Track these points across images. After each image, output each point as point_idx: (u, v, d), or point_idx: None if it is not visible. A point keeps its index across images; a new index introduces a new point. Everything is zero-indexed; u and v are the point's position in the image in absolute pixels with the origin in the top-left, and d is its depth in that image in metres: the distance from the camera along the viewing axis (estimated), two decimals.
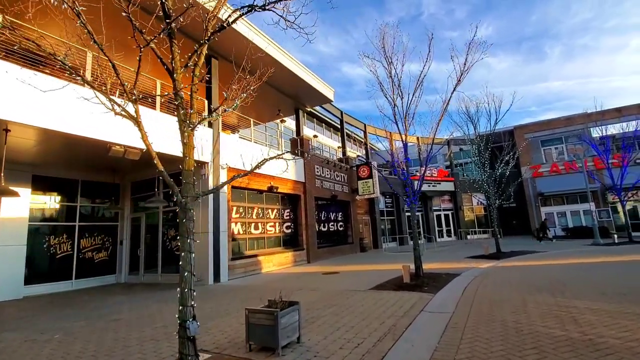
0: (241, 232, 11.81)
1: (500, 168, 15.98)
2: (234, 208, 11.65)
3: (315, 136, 28.40)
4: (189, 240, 3.18)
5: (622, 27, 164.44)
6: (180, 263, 3.16)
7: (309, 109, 18.28)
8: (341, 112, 21.40)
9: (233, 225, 11.47)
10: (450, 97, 9.44)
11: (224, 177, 10.76)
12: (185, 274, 3.11)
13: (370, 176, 19.56)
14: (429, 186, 26.32)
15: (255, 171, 11.84)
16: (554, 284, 7.25)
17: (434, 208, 27.79)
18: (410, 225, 24.50)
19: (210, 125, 10.75)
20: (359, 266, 12.97)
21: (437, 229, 27.30)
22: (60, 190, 11.06)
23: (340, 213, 19.16)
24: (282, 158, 4.84)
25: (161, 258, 11.34)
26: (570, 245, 18.47)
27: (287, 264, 13.39)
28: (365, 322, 5.07)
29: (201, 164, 10.36)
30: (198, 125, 3.54)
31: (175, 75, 3.17)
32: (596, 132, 26.03)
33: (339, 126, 31.57)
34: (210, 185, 10.22)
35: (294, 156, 14.18)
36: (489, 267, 11.00)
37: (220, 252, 10.15)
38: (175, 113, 3.43)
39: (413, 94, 9.45)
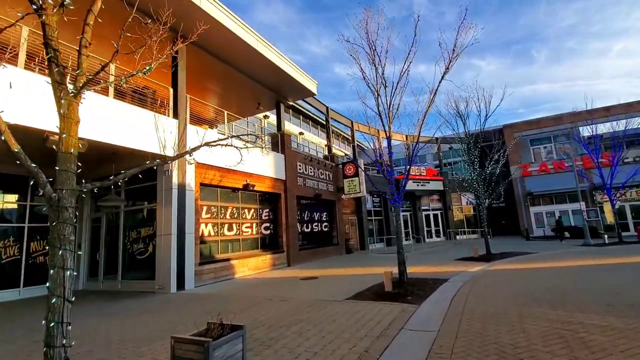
0: (212, 233, 10.83)
1: (490, 166, 15.34)
2: (204, 207, 10.66)
3: (301, 133, 27.48)
4: (61, 252, 2.25)
5: (606, 32, 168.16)
6: (48, 284, 2.22)
7: (291, 103, 17.37)
8: (327, 108, 20.54)
9: (203, 226, 10.48)
10: (438, 85, 8.65)
11: (191, 174, 9.77)
12: (54, 300, 2.17)
13: (356, 174, 18.73)
14: (418, 185, 25.66)
15: (230, 167, 10.86)
16: (553, 293, 6.49)
17: (423, 208, 27.15)
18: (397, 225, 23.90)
19: (175, 114, 9.73)
20: (342, 270, 12.11)
21: (425, 229, 26.67)
22: (8, 188, 9.91)
23: (325, 213, 18.29)
24: (246, 147, 3.90)
25: (122, 263, 10.28)
26: (560, 246, 17.95)
27: (264, 267, 12.45)
28: (334, 344, 4.19)
29: (164, 159, 9.33)
30: (84, 93, 2.59)
31: (45, 18, 2.22)
32: (585, 132, 25.77)
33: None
34: (175, 182, 9.23)
35: (264, 145, 13.22)
36: (479, 270, 10.26)
37: (186, 256, 9.16)
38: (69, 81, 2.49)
39: (397, 83, 8.63)
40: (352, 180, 18.85)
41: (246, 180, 12.03)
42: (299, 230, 15.55)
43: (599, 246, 16.84)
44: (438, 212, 28.01)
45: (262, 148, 12.80)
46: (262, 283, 9.92)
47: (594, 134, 20.51)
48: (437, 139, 29.56)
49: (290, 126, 27.11)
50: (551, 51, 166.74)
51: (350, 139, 41.23)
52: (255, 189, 12.53)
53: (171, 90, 9.89)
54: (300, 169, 15.67)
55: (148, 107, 9.61)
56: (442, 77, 8.67)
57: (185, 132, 9.74)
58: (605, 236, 18.07)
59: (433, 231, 27.26)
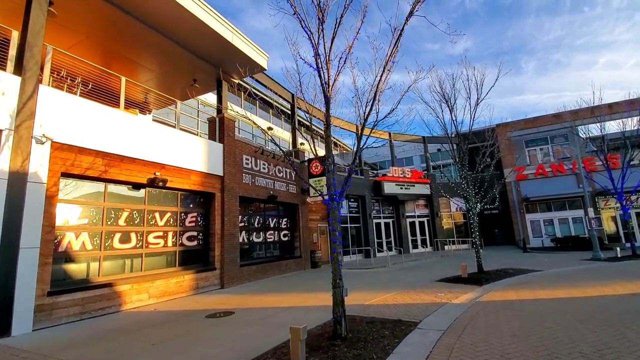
0: (89, 247, 7.56)
1: (482, 163, 12.38)
2: (73, 209, 7.41)
3: (270, 128, 24.33)
4: None
5: (592, 45, 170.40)
6: None
7: (237, 81, 14.25)
8: (292, 96, 17.47)
9: (71, 236, 7.23)
10: (406, 22, 5.59)
11: (42, 158, 6.54)
12: None
13: (323, 173, 15.62)
14: (401, 188, 22.67)
15: (124, 155, 7.62)
16: None
17: (407, 214, 24.12)
18: (383, 232, 20.62)
19: (19, 69, 6.50)
20: (288, 296, 8.92)
21: (410, 238, 23.59)
22: None
23: (285, 219, 15.10)
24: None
25: None
26: (565, 260, 15.01)
27: (180, 292, 9.18)
28: None
29: None
30: None
31: None
32: (584, 131, 23.13)
33: (305, 117, 27.83)
34: (6, 165, 5.99)
35: (199, 133, 10.10)
36: (467, 302, 7.16)
37: (18, 282, 5.89)
38: None
39: (344, 11, 5.57)
40: (318, 180, 15.73)
41: (155, 174, 8.81)
42: (244, 240, 12.34)
43: (611, 261, 13.96)
44: (425, 219, 25.01)
45: (193, 138, 9.64)
46: (141, 323, 6.65)
47: (601, 132, 17.72)
48: (423, 138, 26.75)
49: (259, 121, 23.97)
50: (539, 62, 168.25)
51: (335, 140, 38.24)
52: (171, 185, 9.32)
53: (14, 32, 6.68)
54: (247, 164, 12.51)
55: None
56: (411, 12, 5.64)
57: (36, 96, 6.53)
58: (618, 249, 15.18)
59: (419, 241, 24.20)
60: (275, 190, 13.91)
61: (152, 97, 12.19)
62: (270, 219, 14.12)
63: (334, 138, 34.23)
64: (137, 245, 8.60)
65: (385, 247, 21.84)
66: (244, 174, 12.25)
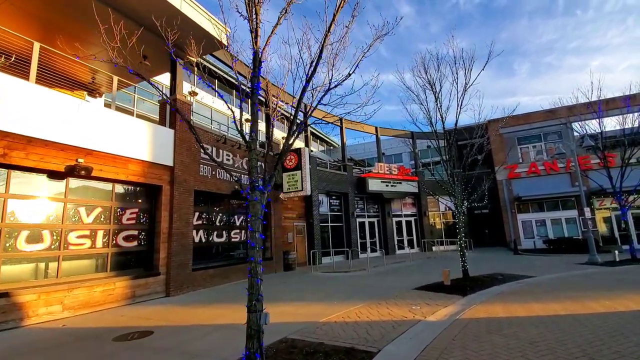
0: None
1: (470, 157, 11.10)
2: None
3: (247, 120, 22.84)
4: None
5: (584, 49, 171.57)
6: None
7: (194, 59, 12.75)
8: (266, 83, 16.03)
9: None
10: None
11: None
12: None
13: (298, 167, 14.24)
14: (387, 186, 21.35)
15: (39, 137, 6.09)
16: None
17: (394, 213, 22.82)
18: (361, 233, 19.12)
19: None
20: (234, 308, 7.52)
21: (396, 238, 22.29)
22: None
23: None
24: None
25: None
26: (559, 264, 13.81)
27: (109, 302, 7.71)
28: None
29: None
30: None
31: None
32: (577, 128, 22.04)
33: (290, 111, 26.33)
34: None
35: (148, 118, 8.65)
36: (445, 319, 5.82)
37: None
38: None
39: None
40: (292, 175, 14.34)
41: (76, 160, 7.32)
42: (201, 240, 10.88)
43: (609, 265, 12.78)
44: (412, 219, 23.75)
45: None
46: (11, 347, 5.19)
47: (600, 128, 16.54)
48: (412, 133, 25.43)
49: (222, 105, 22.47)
50: (531, 65, 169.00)
51: (321, 136, 36.84)
52: (100, 175, 7.84)
53: None
54: (206, 155, 11.03)
55: None
56: None
57: None
58: (616, 252, 14.03)
59: (405, 241, 22.92)
60: (241, 184, 12.43)
61: (102, 78, 10.66)
62: (236, 217, 12.67)
63: (315, 130, 32.82)
64: (52, 247, 7.11)
65: (369, 248, 20.52)
66: (201, 166, 10.79)
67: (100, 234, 8.06)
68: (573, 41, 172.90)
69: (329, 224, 18.98)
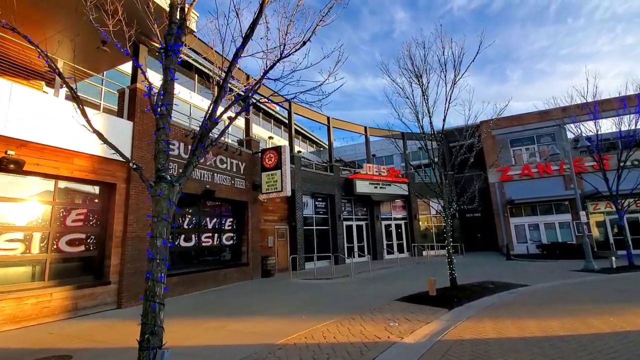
0: None
1: (460, 155, 10.30)
2: None
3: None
4: None
5: (575, 56, 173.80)
6: None
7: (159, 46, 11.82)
8: (247, 77, 15.10)
9: None
10: None
11: None
12: None
13: (278, 166, 13.31)
14: (376, 188, 20.49)
15: None
16: None
17: (383, 216, 21.96)
18: (347, 237, 18.00)
19: None
20: (187, 324, 6.53)
21: (385, 242, 21.41)
22: None
23: (229, 219, 12.70)
24: None
25: None
26: (554, 271, 13.04)
27: (44, 316, 6.69)
28: None
29: None
30: None
31: None
32: (571, 130, 21.43)
33: (279, 112, 25.22)
34: None
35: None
36: (425, 341, 4.92)
37: None
38: None
39: None
40: (272, 174, 13.40)
41: (5, 152, 6.32)
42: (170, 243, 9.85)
43: (606, 272, 12.01)
44: (402, 222, 22.90)
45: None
46: None
47: (596, 129, 15.84)
48: (402, 134, 24.65)
49: (197, 99, 21.44)
50: (524, 71, 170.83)
51: (310, 136, 35.90)
52: (36, 170, 6.85)
53: None
54: (172, 150, 10.08)
55: None
56: None
57: None
58: (613, 258, 13.28)
59: (395, 245, 22.03)
60: (214, 184, 11.49)
61: (64, 67, 9.66)
62: (208, 219, 11.69)
63: (300, 128, 31.88)
64: None
65: (356, 253, 19.62)
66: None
67: (37, 237, 7.04)
68: (564, 48, 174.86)
69: (314, 227, 18.05)
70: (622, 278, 10.60)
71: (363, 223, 20.97)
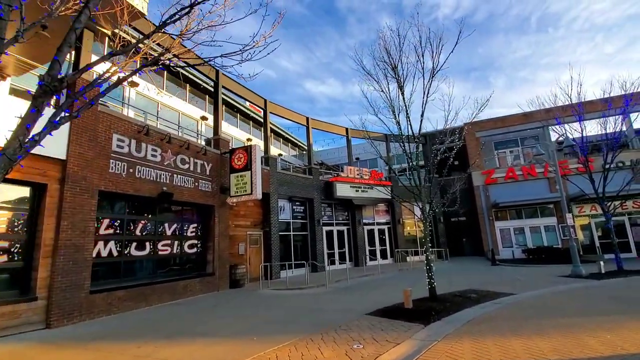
0: None
1: (439, 154, 9.56)
2: None
3: (204, 118, 20.71)
4: None
5: (555, 64, 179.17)
6: None
7: (104, 30, 10.74)
8: (217, 72, 14.12)
9: None
10: None
11: None
12: None
13: (247, 167, 12.32)
14: (357, 191, 19.65)
15: None
16: None
17: (365, 221, 21.11)
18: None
19: None
20: (112, 350, 5.46)
21: (368, 248, 20.52)
22: None
23: (193, 225, 11.62)
24: None
25: None
26: (540, 276, 12.36)
27: None
28: None
29: None
30: None
31: None
32: (554, 131, 21.09)
33: (256, 109, 24.13)
34: None
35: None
36: None
37: None
38: None
39: None
40: (241, 176, 12.40)
41: None
42: (110, 253, 8.77)
43: (595, 278, 11.38)
44: (385, 227, 22.08)
45: None
46: None
47: (581, 129, 15.38)
48: (385, 136, 23.98)
49: (168, 97, 20.34)
50: (507, 79, 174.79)
51: (292, 139, 34.93)
52: None
53: None
54: (121, 147, 9.00)
55: None
56: None
57: None
58: (601, 263, 12.67)
59: (378, 251, 21.16)
60: (173, 186, 10.42)
61: (4, 59, 8.46)
62: (166, 225, 10.59)
63: (283, 131, 30.91)
64: None
65: (337, 260, 18.68)
66: (112, 161, 8.72)
67: None
68: (545, 57, 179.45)
69: (291, 233, 17.05)
70: (613, 284, 9.93)
71: (344, 228, 20.06)
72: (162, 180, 10.08)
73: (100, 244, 8.51)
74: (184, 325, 6.99)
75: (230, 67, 3.63)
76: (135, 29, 10.21)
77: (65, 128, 7.78)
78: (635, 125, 20.91)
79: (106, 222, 8.71)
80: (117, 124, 8.99)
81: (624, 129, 16.70)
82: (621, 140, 15.45)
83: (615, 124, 15.16)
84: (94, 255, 8.18)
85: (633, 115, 19.02)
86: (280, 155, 29.45)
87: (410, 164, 9.33)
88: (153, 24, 9.75)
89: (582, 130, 14.88)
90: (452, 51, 9.10)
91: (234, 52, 3.24)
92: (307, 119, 20.09)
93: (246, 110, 24.72)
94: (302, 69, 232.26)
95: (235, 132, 23.58)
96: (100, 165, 8.38)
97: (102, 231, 8.55)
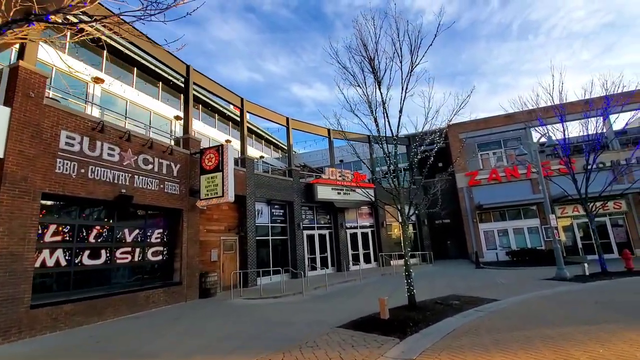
0: None
1: (419, 153, 9.07)
2: None
3: (178, 118, 19.82)
4: None
5: (535, 71, 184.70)
6: None
7: (59, 20, 9.98)
8: (187, 68, 13.35)
9: None
10: None
11: None
12: None
13: (219, 168, 11.57)
14: (339, 194, 19.04)
15: None
16: None
17: (348, 224, 20.51)
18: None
19: None
20: None
21: (350, 252, 19.91)
22: None
23: (157, 230, 10.77)
24: None
25: None
26: (524, 280, 11.97)
27: None
28: None
29: None
30: None
31: None
32: (536, 132, 21.02)
33: (218, 102, 23.29)
34: None
35: None
36: None
37: None
38: None
39: None
40: (212, 177, 11.62)
41: None
42: (58, 263, 7.89)
43: (581, 281, 11.05)
44: (369, 231, 21.53)
45: None
46: None
47: (563, 129, 15.18)
48: (369, 137, 23.53)
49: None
50: (489, 84, 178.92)
51: (275, 141, 34.22)
52: None
53: None
54: (71, 145, 8.15)
55: None
56: None
57: None
58: (586, 265, 12.39)
59: (361, 255, 20.57)
60: (134, 188, 9.58)
61: None
62: (126, 231, 9.72)
63: (264, 132, 30.17)
64: None
65: (318, 266, 17.98)
66: (60, 160, 7.86)
67: None
68: (526, 63, 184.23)
69: (270, 238, 16.30)
70: (599, 287, 9.56)
71: (326, 232, 19.41)
72: (120, 182, 9.24)
73: (46, 252, 7.64)
74: (134, 344, 6.20)
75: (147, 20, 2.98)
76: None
77: (3, 123, 6.93)
78: (615, 127, 21.03)
79: (53, 228, 7.83)
80: (67, 120, 8.14)
81: (604, 130, 16.66)
82: (602, 141, 15.35)
83: (596, 125, 15.03)
84: (37, 265, 7.31)
85: (613, 117, 19.09)
86: (262, 157, 28.69)
87: (389, 164, 8.78)
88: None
89: (564, 131, 14.66)
90: (431, 44, 8.60)
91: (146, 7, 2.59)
92: (287, 119, 19.44)
93: (225, 111, 23.91)
94: (288, 72, 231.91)
95: (213, 133, 22.73)
96: (45, 165, 7.52)
97: (47, 238, 7.67)
